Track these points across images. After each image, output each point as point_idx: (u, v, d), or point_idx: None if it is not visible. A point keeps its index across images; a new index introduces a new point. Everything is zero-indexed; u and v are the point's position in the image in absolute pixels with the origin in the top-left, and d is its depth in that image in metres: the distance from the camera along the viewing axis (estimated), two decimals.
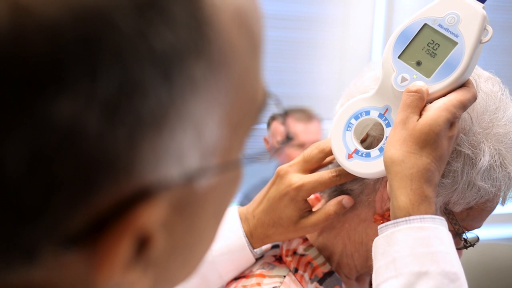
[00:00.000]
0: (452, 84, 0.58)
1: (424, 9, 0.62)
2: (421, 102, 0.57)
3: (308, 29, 2.51)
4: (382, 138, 0.62)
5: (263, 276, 0.65)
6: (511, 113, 0.63)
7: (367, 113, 0.63)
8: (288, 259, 0.67)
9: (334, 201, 0.65)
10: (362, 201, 0.66)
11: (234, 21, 0.26)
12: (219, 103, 0.26)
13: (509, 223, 2.65)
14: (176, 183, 0.24)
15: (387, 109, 0.62)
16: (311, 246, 0.68)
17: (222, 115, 0.26)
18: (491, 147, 0.61)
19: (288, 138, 0.34)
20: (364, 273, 0.70)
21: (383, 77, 0.62)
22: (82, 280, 0.23)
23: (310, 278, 0.66)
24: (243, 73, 0.27)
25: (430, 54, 0.60)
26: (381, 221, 0.62)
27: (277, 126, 2.15)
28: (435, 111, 0.56)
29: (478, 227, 0.66)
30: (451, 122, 0.56)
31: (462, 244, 0.65)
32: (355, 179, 0.65)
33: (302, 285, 0.65)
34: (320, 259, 0.67)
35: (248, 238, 0.65)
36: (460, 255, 0.68)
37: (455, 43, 0.59)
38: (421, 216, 0.54)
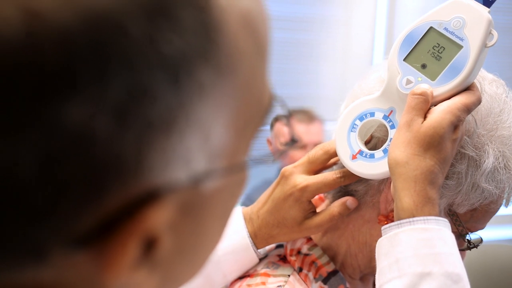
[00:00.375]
0: (457, 87, 0.59)
1: (430, 12, 0.62)
2: (426, 104, 0.58)
3: (310, 30, 2.51)
4: (386, 140, 0.63)
5: (267, 275, 0.66)
6: None
7: (372, 114, 0.64)
8: (293, 258, 0.68)
9: (339, 202, 0.66)
10: (366, 202, 0.66)
11: (241, 24, 0.26)
12: (226, 107, 0.26)
13: (511, 224, 2.66)
14: (183, 185, 0.25)
15: (391, 111, 0.63)
16: (315, 245, 0.68)
17: (229, 118, 0.26)
18: (495, 149, 0.62)
19: (293, 141, 0.34)
20: (368, 273, 0.71)
21: (388, 79, 0.63)
22: (89, 280, 0.24)
23: (314, 278, 0.66)
24: (249, 76, 0.27)
25: (435, 57, 0.61)
26: (385, 222, 0.63)
27: (280, 127, 2.15)
28: (440, 114, 0.57)
29: (482, 228, 0.67)
30: (455, 125, 0.57)
31: (465, 246, 0.66)
32: (359, 180, 0.65)
33: (306, 284, 0.66)
34: (324, 259, 0.67)
35: (252, 239, 0.66)
36: (463, 256, 0.69)
37: (460, 47, 0.60)
38: (425, 218, 0.55)
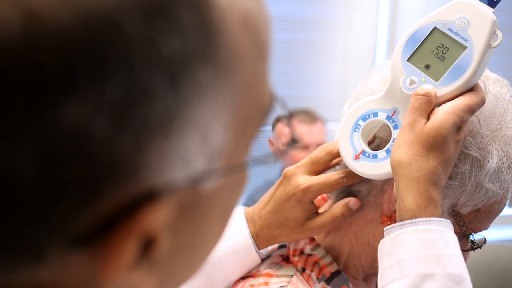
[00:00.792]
0: (461, 88, 0.59)
1: (434, 12, 0.62)
2: (429, 105, 0.58)
3: (311, 31, 2.51)
4: (389, 140, 0.63)
5: (270, 275, 0.66)
6: None
7: (375, 114, 0.64)
8: (295, 258, 0.68)
9: (341, 203, 0.66)
10: (369, 202, 0.66)
11: (241, 26, 0.26)
12: (226, 107, 0.26)
13: None
14: (182, 186, 0.25)
15: (395, 111, 0.63)
16: (318, 246, 0.68)
17: (228, 118, 0.26)
18: (499, 149, 0.61)
19: (294, 141, 0.34)
20: (371, 273, 0.70)
21: (392, 80, 0.62)
22: (88, 280, 0.24)
23: (317, 278, 0.66)
24: (250, 77, 0.27)
25: (439, 58, 0.61)
26: (389, 223, 0.62)
27: (282, 128, 2.14)
28: (443, 114, 0.57)
29: (485, 229, 0.66)
30: (459, 126, 0.57)
31: (469, 246, 0.66)
32: (362, 180, 0.65)
33: (309, 285, 0.66)
34: (327, 259, 0.67)
35: (254, 239, 0.66)
36: (466, 257, 0.69)
37: (464, 47, 0.60)
38: (427, 219, 0.55)
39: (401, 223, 0.55)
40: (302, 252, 0.68)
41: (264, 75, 0.29)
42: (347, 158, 0.64)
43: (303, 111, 2.16)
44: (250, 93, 0.28)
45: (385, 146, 0.63)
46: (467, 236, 0.65)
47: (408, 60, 0.62)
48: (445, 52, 0.61)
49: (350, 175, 0.65)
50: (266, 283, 0.64)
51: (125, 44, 0.21)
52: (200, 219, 0.28)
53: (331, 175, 0.65)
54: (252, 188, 2.19)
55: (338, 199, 0.68)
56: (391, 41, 2.51)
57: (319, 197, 0.76)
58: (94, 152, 0.21)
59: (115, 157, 0.22)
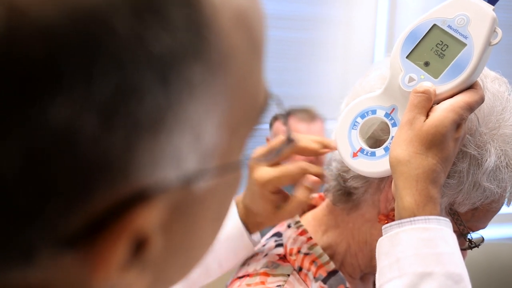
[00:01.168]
0: (460, 86, 0.58)
1: (433, 9, 0.62)
2: (428, 103, 0.57)
3: (311, 29, 2.51)
4: (388, 138, 0.62)
5: (267, 275, 0.65)
6: None
7: (374, 112, 0.63)
8: (292, 258, 0.67)
9: (302, 188, 0.67)
10: (366, 200, 0.66)
11: (234, 23, 0.26)
12: (218, 106, 0.26)
13: None
14: (174, 185, 0.24)
15: (393, 109, 0.62)
16: (315, 245, 0.68)
17: (221, 117, 0.26)
18: (497, 147, 0.61)
19: (289, 140, 0.34)
20: (369, 272, 0.70)
21: (391, 77, 0.62)
22: (79, 281, 0.23)
23: (314, 277, 0.66)
24: (243, 75, 0.27)
25: (439, 55, 0.60)
26: (386, 221, 0.62)
27: (280, 126, 2.14)
28: (442, 112, 0.56)
29: (483, 227, 0.66)
30: (458, 123, 0.56)
31: (466, 245, 0.65)
32: (359, 177, 0.64)
33: (306, 284, 0.65)
34: (324, 258, 0.67)
35: (245, 225, 0.67)
36: (464, 255, 0.68)
37: (464, 45, 0.59)
38: (426, 217, 0.54)
39: (399, 221, 0.55)
40: (299, 251, 0.67)
41: (259, 73, 0.29)
42: (345, 156, 0.64)
43: (302, 109, 2.15)
44: (244, 91, 0.27)
45: (383, 143, 0.63)
46: (465, 235, 0.64)
47: (407, 57, 0.61)
48: (445, 50, 0.60)
49: (307, 167, 0.65)
50: (262, 282, 0.64)
51: (113, 42, 0.21)
52: (193, 219, 0.28)
53: (290, 167, 0.65)
54: None
55: (335, 196, 0.68)
56: (390, 39, 2.50)
57: (317, 195, 0.76)
58: (83, 151, 0.21)
59: (104, 156, 0.21)
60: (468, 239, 0.65)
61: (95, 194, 0.22)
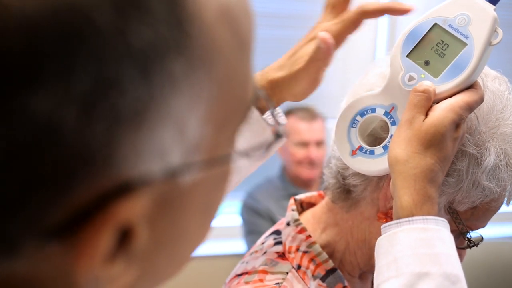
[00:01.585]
0: (460, 85, 0.58)
1: (434, 9, 0.62)
2: (428, 102, 0.57)
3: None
4: (387, 136, 0.62)
5: (265, 272, 0.65)
6: None
7: (373, 110, 0.63)
8: (291, 255, 0.67)
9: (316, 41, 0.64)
10: (365, 198, 0.66)
11: (219, 18, 0.26)
12: (203, 100, 0.26)
13: None
14: (158, 178, 0.24)
15: (393, 107, 0.62)
16: (314, 243, 0.68)
17: (206, 111, 0.26)
18: (497, 146, 0.61)
19: (278, 135, 0.34)
20: (367, 271, 0.70)
21: (391, 75, 0.62)
22: (63, 272, 0.24)
23: (312, 275, 0.66)
24: (228, 70, 0.27)
25: (439, 54, 0.60)
26: (384, 219, 0.62)
27: (291, 123, 2.14)
28: (441, 112, 0.56)
29: (483, 226, 0.66)
30: (457, 123, 0.57)
31: (465, 244, 0.65)
32: (358, 175, 0.64)
33: (304, 282, 0.65)
34: (323, 256, 0.67)
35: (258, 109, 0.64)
36: (463, 254, 0.68)
37: (465, 44, 0.59)
38: (424, 217, 0.54)
39: (398, 221, 0.55)
40: (298, 249, 0.68)
41: (246, 68, 0.29)
42: (344, 153, 0.64)
43: (303, 108, 2.15)
44: (230, 86, 0.28)
45: (382, 142, 0.63)
46: (464, 234, 0.64)
47: (407, 56, 0.61)
48: (445, 49, 0.60)
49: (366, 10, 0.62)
50: (261, 280, 0.64)
51: (94, 35, 0.21)
52: (180, 212, 0.28)
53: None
54: (252, 185, 2.19)
55: (334, 194, 0.68)
56: (391, 38, 2.49)
57: (316, 193, 0.76)
58: (63, 144, 0.21)
59: (86, 148, 0.22)
60: (467, 238, 0.65)
61: (78, 185, 0.22)
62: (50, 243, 0.23)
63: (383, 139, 0.63)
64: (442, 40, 0.60)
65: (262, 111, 0.64)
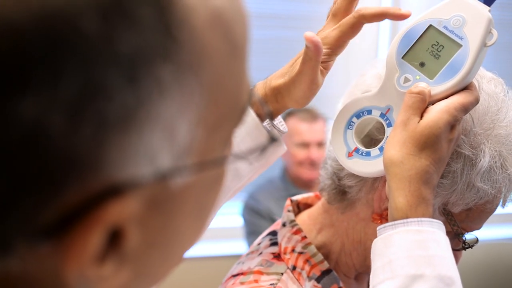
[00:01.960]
0: (455, 87, 0.58)
1: (429, 10, 0.62)
2: (423, 103, 0.57)
3: (313, 28, 2.49)
4: (383, 138, 0.62)
5: (261, 273, 0.65)
6: None
7: (369, 112, 0.63)
8: (287, 256, 0.67)
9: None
10: (361, 199, 0.66)
11: (210, 23, 0.26)
12: (193, 104, 0.26)
13: None
14: (147, 181, 0.25)
15: (389, 109, 0.62)
16: (309, 244, 0.68)
17: (196, 115, 0.26)
18: (492, 148, 0.61)
19: (273, 140, 0.34)
20: (363, 272, 0.70)
21: (386, 77, 0.62)
22: (54, 272, 0.24)
23: (308, 276, 0.66)
24: (220, 75, 0.27)
25: (434, 56, 0.60)
26: (379, 221, 0.62)
27: (294, 125, 2.14)
28: (436, 113, 0.56)
29: (478, 228, 0.66)
30: (452, 124, 0.57)
31: (460, 246, 0.65)
32: (351, 174, 0.64)
33: (299, 283, 0.65)
34: (319, 257, 0.67)
35: (258, 116, 0.64)
36: (459, 256, 0.68)
37: (460, 46, 0.59)
38: (419, 219, 0.54)
39: (393, 223, 0.55)
40: (293, 250, 0.68)
41: (240, 73, 0.29)
42: (340, 155, 0.64)
43: (304, 109, 2.15)
44: (222, 90, 0.28)
45: (378, 143, 0.63)
46: (459, 236, 0.64)
47: (403, 57, 0.61)
48: (440, 50, 0.60)
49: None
50: (256, 281, 0.64)
51: (80, 42, 0.22)
52: (172, 214, 0.28)
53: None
54: (254, 186, 2.19)
55: (330, 195, 0.68)
56: (393, 38, 2.49)
57: (313, 194, 0.76)
58: (51, 147, 0.22)
59: (74, 152, 0.22)
60: (462, 239, 0.65)
61: (68, 187, 0.23)
62: (41, 243, 0.23)
63: (379, 141, 0.63)
64: (437, 42, 0.60)
65: (263, 117, 0.64)
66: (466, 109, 0.57)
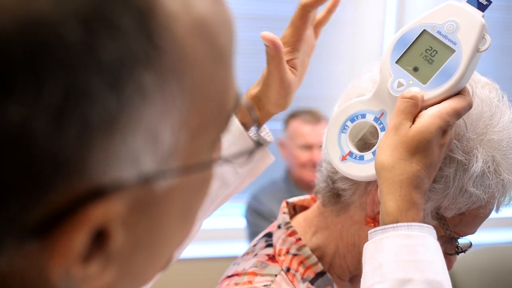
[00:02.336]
0: (448, 92, 0.59)
1: (424, 15, 0.62)
2: (415, 108, 0.58)
3: None
4: (377, 142, 0.63)
5: (255, 274, 0.66)
6: (507, 120, 0.63)
7: (363, 116, 0.64)
8: (281, 258, 0.68)
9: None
10: (354, 202, 0.66)
11: (192, 31, 0.27)
12: (176, 110, 0.27)
13: None
14: (131, 184, 0.26)
15: (382, 113, 0.63)
16: (304, 246, 0.68)
17: (179, 120, 0.27)
18: (484, 153, 0.61)
19: (260, 144, 0.35)
20: (357, 274, 0.70)
21: (380, 81, 0.62)
22: (39, 270, 0.25)
23: (302, 278, 0.66)
24: (204, 79, 0.28)
25: (428, 61, 0.61)
26: (372, 224, 0.63)
27: (296, 127, 2.14)
28: (428, 118, 0.56)
29: (472, 233, 0.66)
30: (444, 129, 0.57)
31: (454, 250, 0.66)
32: (345, 177, 0.65)
33: (293, 285, 0.66)
34: (313, 259, 0.68)
35: (242, 124, 0.65)
36: (453, 260, 0.69)
37: (453, 51, 0.59)
38: (409, 224, 0.54)
39: (383, 227, 0.56)
40: (288, 252, 0.68)
41: (225, 78, 0.30)
42: (334, 158, 0.64)
43: (307, 111, 2.16)
44: (206, 96, 0.29)
45: (372, 147, 0.63)
46: (453, 240, 0.64)
47: (396, 62, 0.62)
48: (434, 55, 0.60)
49: None
50: (250, 282, 0.65)
51: (62, 49, 0.23)
52: (157, 216, 0.29)
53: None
54: (256, 187, 2.20)
55: (324, 198, 0.69)
56: None
57: (309, 196, 0.77)
58: (35, 150, 0.23)
59: (58, 155, 0.23)
60: (456, 244, 0.65)
61: (54, 188, 0.24)
62: (28, 242, 0.24)
63: (373, 145, 0.63)
64: (431, 47, 0.61)
65: (248, 126, 0.66)
66: (458, 114, 0.57)
